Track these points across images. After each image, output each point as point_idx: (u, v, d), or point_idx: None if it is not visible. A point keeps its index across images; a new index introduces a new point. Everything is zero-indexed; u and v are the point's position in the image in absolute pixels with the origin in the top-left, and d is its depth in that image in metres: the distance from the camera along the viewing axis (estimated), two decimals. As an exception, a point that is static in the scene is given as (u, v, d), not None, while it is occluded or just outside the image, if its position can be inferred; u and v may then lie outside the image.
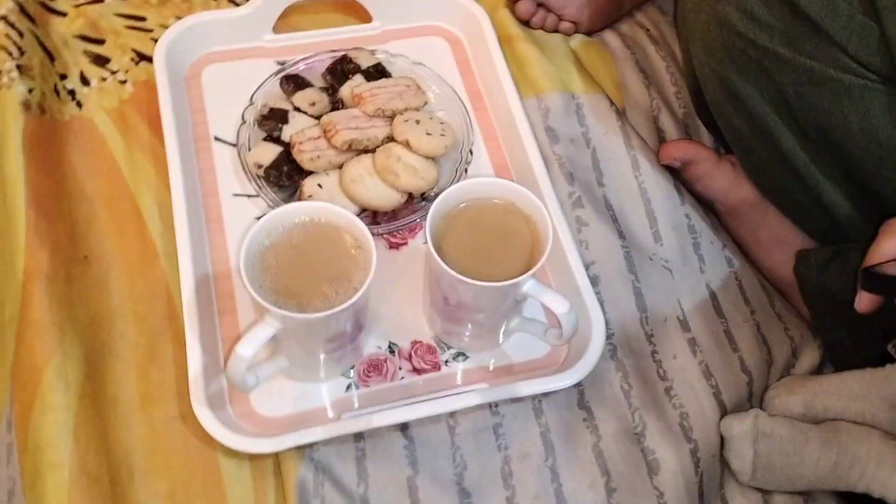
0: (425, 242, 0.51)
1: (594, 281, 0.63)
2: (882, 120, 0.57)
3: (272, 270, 0.51)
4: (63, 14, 0.74)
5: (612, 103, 0.75)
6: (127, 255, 0.62)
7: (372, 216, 0.64)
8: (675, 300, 0.65)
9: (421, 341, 0.61)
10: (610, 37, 0.82)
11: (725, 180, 0.73)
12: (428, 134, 0.65)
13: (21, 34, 0.69)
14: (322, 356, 0.55)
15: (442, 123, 0.67)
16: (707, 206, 0.74)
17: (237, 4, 0.75)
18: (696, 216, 0.70)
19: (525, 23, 0.79)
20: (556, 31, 0.79)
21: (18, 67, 0.67)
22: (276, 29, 0.74)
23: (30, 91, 0.66)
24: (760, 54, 0.59)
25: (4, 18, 0.69)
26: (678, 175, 0.73)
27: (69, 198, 0.64)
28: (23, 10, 0.70)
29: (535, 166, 0.67)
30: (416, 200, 0.65)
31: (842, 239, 0.65)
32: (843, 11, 0.54)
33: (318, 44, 0.73)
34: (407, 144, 0.65)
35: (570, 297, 0.54)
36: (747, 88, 0.61)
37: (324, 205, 0.53)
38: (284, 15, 0.74)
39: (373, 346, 0.60)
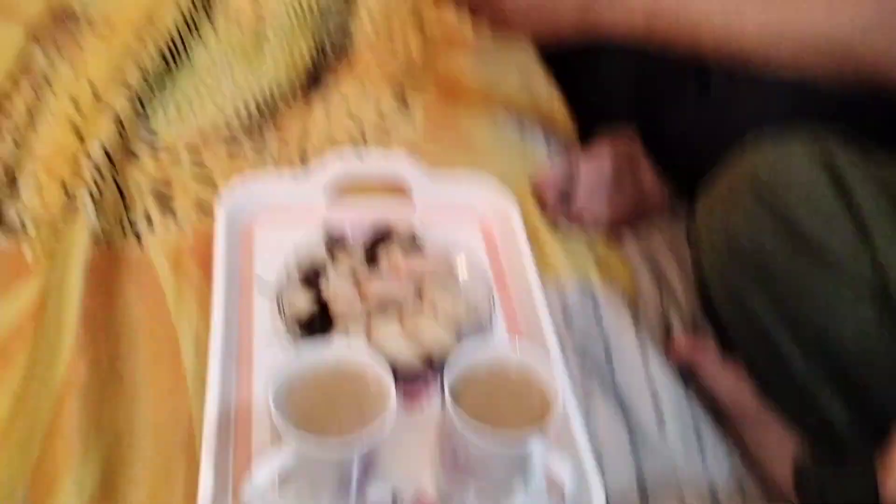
0: (441, 399, 0.55)
1: (598, 457, 0.65)
2: (874, 333, 0.61)
3: (295, 403, 0.54)
4: (140, 162, 0.84)
5: (625, 296, 0.80)
6: (157, 380, 0.65)
7: (393, 371, 0.68)
8: (676, 486, 0.66)
9: (426, 495, 0.62)
10: (627, 237, 0.89)
11: (730, 383, 0.76)
12: (453, 303, 0.70)
13: (102, 174, 0.77)
14: (327, 498, 0.56)
15: (466, 295, 0.72)
16: (714, 401, 0.77)
17: (295, 169, 0.84)
18: (700, 411, 0.73)
19: (551, 216, 0.87)
20: (578, 223, 0.87)
21: (94, 201, 0.75)
22: (327, 195, 0.82)
23: (99, 224, 0.74)
24: (764, 262, 0.65)
25: (91, 156, 0.77)
26: (686, 369, 0.77)
27: (116, 321, 0.69)
28: (107, 154, 0.79)
29: (550, 344, 0.71)
30: (436, 364, 0.69)
31: (840, 446, 0.67)
32: (839, 230, 0.61)
33: (362, 211, 0.81)
34: (433, 309, 0.70)
35: (572, 466, 0.56)
36: (750, 293, 0.67)
37: (350, 346, 0.58)
38: (336, 185, 0.82)
39: (378, 494, 0.61)
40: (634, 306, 0.81)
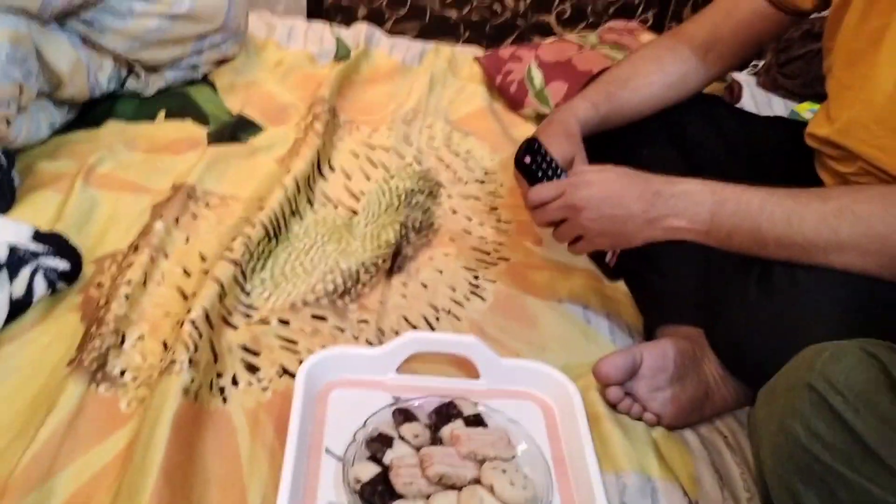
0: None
1: None
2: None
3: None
4: (235, 327, 0.92)
5: (685, 493, 0.80)
6: (224, 536, 0.68)
7: (447, 548, 0.69)
8: None
9: None
10: (689, 435, 0.89)
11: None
12: (511, 484, 0.72)
13: (200, 335, 0.85)
14: None
15: (525, 478, 0.74)
16: None
17: (372, 345, 0.90)
18: None
19: (612, 406, 0.89)
20: (639, 419, 0.88)
21: (190, 360, 0.82)
22: (399, 370, 0.87)
23: (192, 380, 0.80)
24: (823, 469, 0.65)
25: (192, 322, 0.85)
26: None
27: (192, 474, 0.73)
28: (207, 318, 0.88)
29: (606, 535, 0.71)
30: (490, 544, 0.70)
31: None
32: (897, 437, 0.61)
33: (431, 388, 0.85)
34: (491, 489, 0.72)
35: None
36: (811, 498, 0.66)
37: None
38: (408, 360, 0.87)
39: None
40: (694, 500, 0.80)
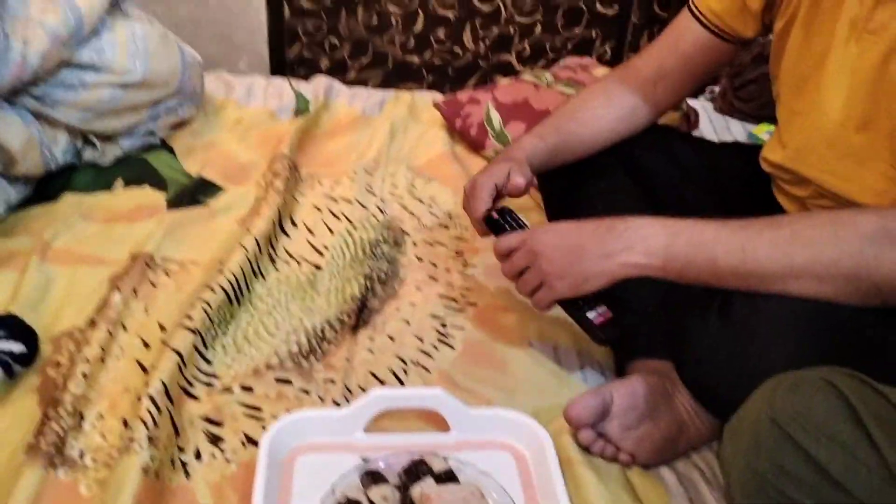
0: None
1: None
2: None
3: None
4: (197, 398, 0.90)
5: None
6: None
7: None
8: None
9: None
10: (666, 472, 0.88)
11: None
12: (484, 541, 0.70)
13: (159, 411, 0.83)
14: None
15: (498, 533, 0.72)
16: None
17: (339, 405, 0.89)
18: None
19: (585, 449, 0.87)
20: (614, 460, 0.87)
21: (149, 438, 0.80)
22: (368, 428, 0.85)
23: (152, 459, 0.78)
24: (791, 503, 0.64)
25: (151, 396, 0.84)
26: None
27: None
28: (167, 391, 0.86)
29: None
30: None
31: None
32: (863, 473, 0.60)
33: (400, 445, 0.84)
34: (463, 549, 0.70)
35: None
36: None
37: None
38: (377, 417, 0.86)
39: None
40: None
